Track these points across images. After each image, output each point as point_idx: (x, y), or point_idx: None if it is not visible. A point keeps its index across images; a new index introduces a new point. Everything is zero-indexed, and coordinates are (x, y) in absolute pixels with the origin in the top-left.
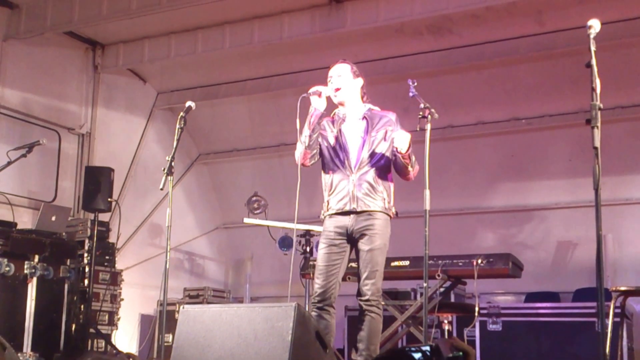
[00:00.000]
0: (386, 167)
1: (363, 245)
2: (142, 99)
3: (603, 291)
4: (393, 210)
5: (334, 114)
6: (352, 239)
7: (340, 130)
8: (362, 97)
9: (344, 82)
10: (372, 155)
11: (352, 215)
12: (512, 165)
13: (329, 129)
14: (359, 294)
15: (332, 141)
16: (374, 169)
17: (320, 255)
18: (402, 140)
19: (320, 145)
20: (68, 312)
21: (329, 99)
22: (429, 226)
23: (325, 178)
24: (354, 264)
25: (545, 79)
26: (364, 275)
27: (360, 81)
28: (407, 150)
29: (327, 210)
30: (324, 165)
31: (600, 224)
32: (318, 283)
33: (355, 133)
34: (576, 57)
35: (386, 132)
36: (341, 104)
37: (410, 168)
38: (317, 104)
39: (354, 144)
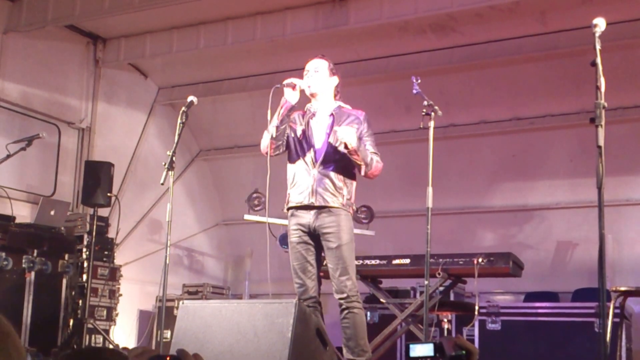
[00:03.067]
0: (349, 162)
1: (330, 243)
2: (143, 94)
3: (605, 291)
4: (354, 207)
5: (307, 109)
6: (314, 235)
7: (307, 123)
8: (335, 95)
9: (319, 77)
10: (335, 151)
11: (312, 212)
12: (513, 165)
13: (298, 121)
14: (337, 292)
15: (299, 134)
16: (335, 165)
17: (291, 255)
18: (344, 133)
19: (288, 137)
20: (66, 307)
21: (302, 92)
22: (431, 224)
23: (289, 170)
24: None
25: (548, 79)
26: (337, 273)
27: (335, 80)
28: (353, 147)
29: (288, 202)
30: (289, 157)
31: (602, 222)
32: (296, 282)
33: (321, 128)
34: (579, 57)
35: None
36: (313, 95)
37: (361, 164)
38: (289, 96)
39: (318, 139)
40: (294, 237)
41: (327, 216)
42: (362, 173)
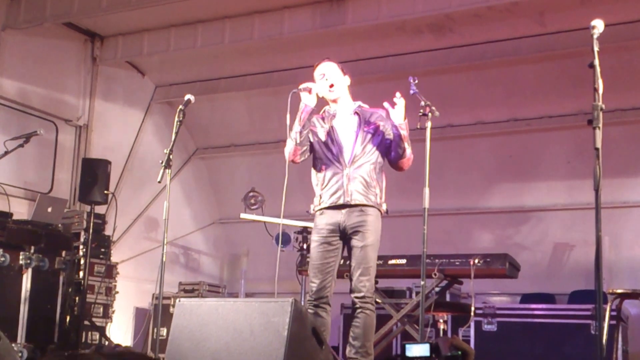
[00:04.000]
0: (379, 162)
1: (356, 242)
2: (140, 92)
3: (602, 293)
4: (384, 206)
5: (324, 111)
6: (344, 235)
7: (332, 126)
8: (351, 95)
9: (336, 78)
10: (365, 149)
11: (344, 211)
12: (510, 166)
13: (319, 125)
14: (353, 290)
15: (323, 137)
16: (367, 163)
17: (314, 253)
18: (397, 111)
19: (310, 141)
20: (63, 304)
21: (317, 96)
22: (427, 225)
23: (317, 174)
24: (346, 260)
25: (546, 80)
26: (358, 272)
27: (348, 79)
28: (404, 119)
29: (320, 204)
30: (315, 161)
31: (600, 225)
32: (314, 281)
33: (348, 128)
34: (577, 58)
35: (378, 127)
36: (334, 100)
37: (406, 145)
38: (308, 100)
39: (346, 138)
40: (319, 235)
41: (358, 215)
42: (401, 158)
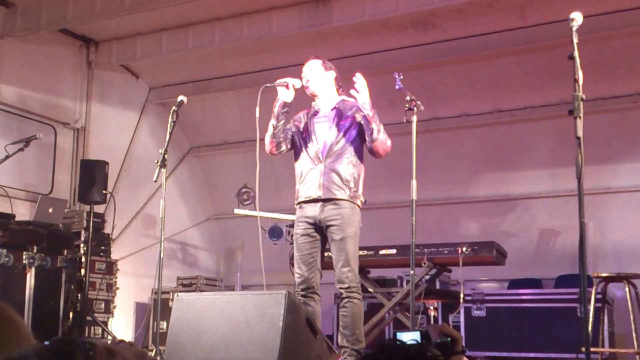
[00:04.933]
0: (354, 156)
1: (334, 235)
2: (135, 94)
3: (586, 277)
4: (361, 199)
5: (312, 106)
6: (320, 228)
7: (310, 120)
8: (338, 90)
9: (314, 74)
10: (340, 144)
11: (318, 205)
12: (495, 156)
13: (303, 120)
14: (338, 282)
15: (302, 131)
16: (341, 157)
17: (296, 245)
18: (359, 91)
19: (293, 135)
20: (65, 301)
21: (301, 91)
22: (415, 216)
23: (296, 168)
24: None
25: (527, 72)
26: (339, 264)
27: (332, 74)
28: (368, 98)
29: (297, 198)
30: (295, 156)
31: (583, 211)
32: (298, 273)
33: (325, 123)
34: (557, 50)
35: (354, 119)
36: (314, 95)
37: (374, 126)
38: (283, 95)
39: (322, 133)
40: (299, 229)
41: (332, 209)
42: (374, 138)
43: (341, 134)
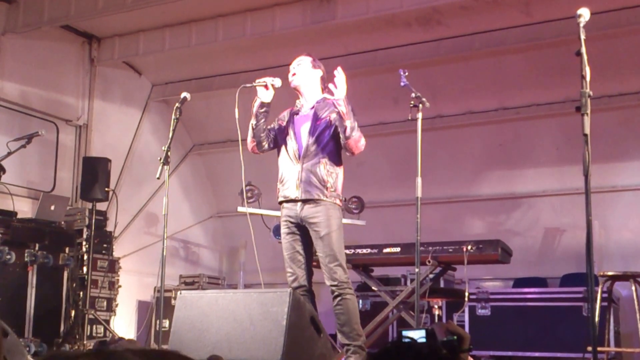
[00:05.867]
0: (332, 155)
1: (317, 232)
2: (138, 91)
3: (593, 276)
4: (340, 197)
5: (296, 105)
6: (301, 227)
7: (292, 120)
8: (323, 90)
9: (301, 69)
10: (317, 143)
11: (299, 204)
12: (500, 154)
13: (286, 118)
14: (328, 279)
15: (284, 130)
16: (318, 157)
17: (283, 244)
18: (337, 86)
19: (275, 134)
20: (68, 299)
21: (292, 90)
22: (420, 214)
23: (279, 166)
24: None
25: (533, 69)
26: (326, 261)
27: (319, 72)
28: (345, 94)
29: (279, 198)
30: (277, 153)
31: (590, 209)
32: (288, 272)
33: (304, 123)
34: (563, 47)
35: (329, 119)
36: (297, 89)
37: (348, 124)
38: (261, 95)
39: (300, 133)
40: (283, 228)
41: (312, 207)
42: (348, 136)
43: (317, 134)
